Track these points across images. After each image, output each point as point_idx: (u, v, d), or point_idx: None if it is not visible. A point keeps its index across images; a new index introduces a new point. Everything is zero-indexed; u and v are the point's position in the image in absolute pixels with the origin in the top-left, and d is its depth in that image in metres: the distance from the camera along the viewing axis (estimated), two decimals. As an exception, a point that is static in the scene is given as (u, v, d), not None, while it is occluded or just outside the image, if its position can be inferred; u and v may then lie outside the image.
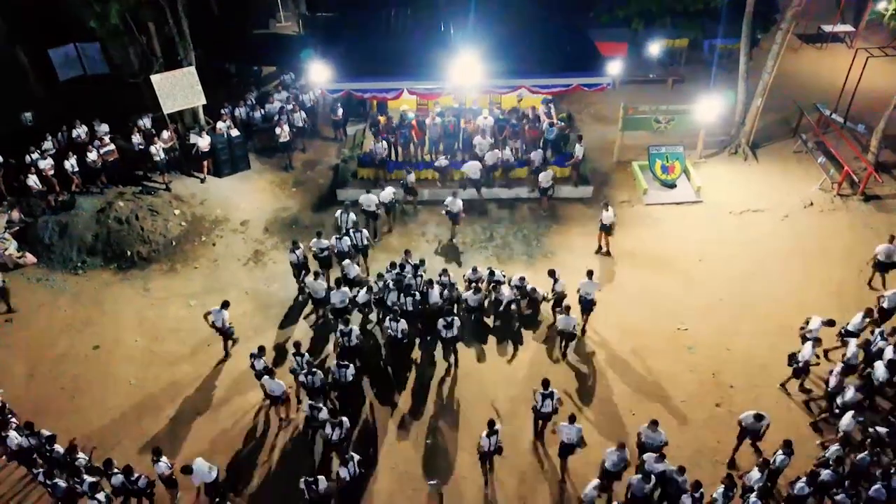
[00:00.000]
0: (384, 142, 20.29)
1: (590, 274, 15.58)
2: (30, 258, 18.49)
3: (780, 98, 24.15)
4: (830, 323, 14.66)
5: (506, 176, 20.52)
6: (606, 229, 18.15)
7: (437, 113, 20.75)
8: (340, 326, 14.73)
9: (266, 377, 13.82)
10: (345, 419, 13.02)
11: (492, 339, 16.26)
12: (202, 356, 15.94)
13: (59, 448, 12.55)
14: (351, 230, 17.52)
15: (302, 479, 11.91)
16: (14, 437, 12.55)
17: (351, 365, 14.08)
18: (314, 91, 24.15)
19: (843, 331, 15.00)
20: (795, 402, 14.58)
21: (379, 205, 18.60)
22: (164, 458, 12.34)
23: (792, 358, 14.46)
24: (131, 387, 15.23)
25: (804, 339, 14.56)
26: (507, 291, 16.15)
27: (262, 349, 14.20)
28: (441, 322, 14.82)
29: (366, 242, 17.63)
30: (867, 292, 17.03)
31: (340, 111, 22.77)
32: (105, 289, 17.93)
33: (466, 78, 18.06)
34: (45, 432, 12.73)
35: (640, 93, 26.05)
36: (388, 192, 18.70)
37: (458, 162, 20.39)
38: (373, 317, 16.71)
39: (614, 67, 18.73)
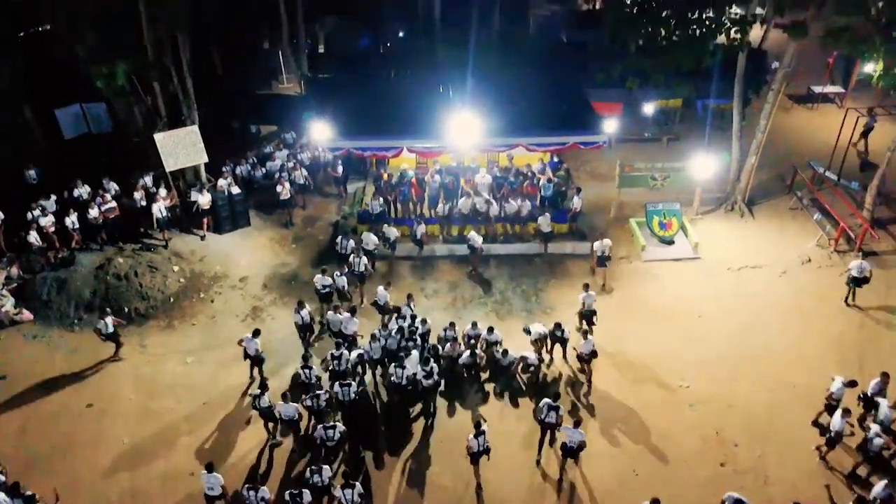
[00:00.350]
0: (381, 198, 20.54)
1: (585, 334, 15.76)
2: (26, 315, 18.41)
3: (773, 156, 24.55)
4: (852, 384, 14.33)
5: (504, 232, 20.67)
6: (602, 261, 18.62)
7: (436, 171, 21.05)
8: (332, 350, 15.36)
9: (280, 402, 14.23)
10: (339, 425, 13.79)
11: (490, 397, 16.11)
12: (198, 413, 15.70)
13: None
14: (351, 255, 18.53)
15: (287, 492, 12.22)
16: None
17: (353, 384, 14.71)
18: (315, 149, 24.53)
19: (862, 395, 14.63)
20: (804, 462, 14.29)
21: (378, 244, 19.32)
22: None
23: (820, 426, 14.25)
24: (124, 445, 14.95)
25: (830, 405, 14.30)
26: (512, 354, 16.05)
27: (264, 386, 14.45)
28: (421, 371, 14.83)
29: (363, 269, 18.25)
30: (868, 345, 16.99)
31: (340, 168, 23.09)
32: (101, 345, 17.70)
33: (465, 136, 18.39)
34: (28, 492, 12.47)
35: (635, 151, 26.51)
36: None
37: (456, 218, 20.57)
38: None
39: (610, 126, 19.13)
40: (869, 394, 14.50)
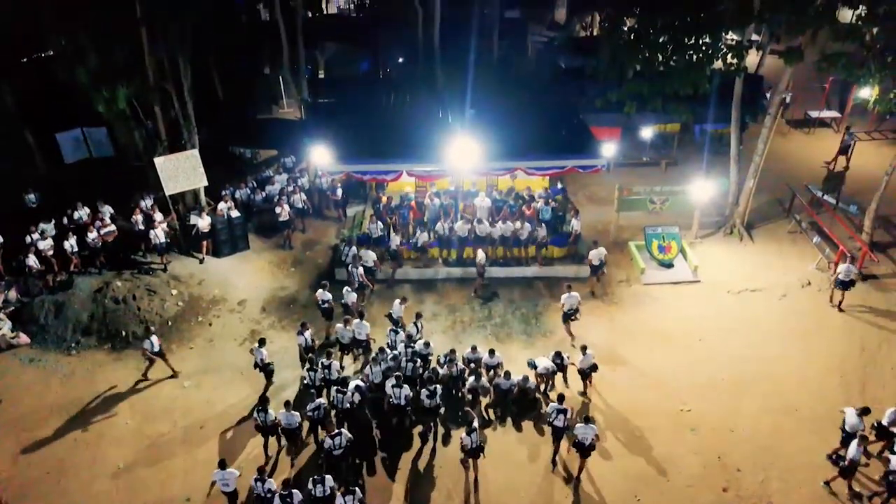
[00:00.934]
0: (380, 223, 20.57)
1: (583, 349, 15.78)
2: (23, 338, 18.29)
3: (771, 180, 24.67)
4: (866, 411, 14.11)
5: (504, 255, 20.67)
6: (596, 270, 19.03)
7: (434, 193, 21.10)
8: (322, 359, 15.69)
9: (282, 411, 14.39)
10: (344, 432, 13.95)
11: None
12: (195, 437, 15.53)
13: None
14: (349, 265, 18.97)
15: (277, 494, 12.49)
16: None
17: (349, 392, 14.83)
18: (314, 173, 24.62)
19: (877, 424, 14.43)
20: (808, 487, 14.12)
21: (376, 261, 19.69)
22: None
23: (835, 456, 14.13)
24: (119, 470, 14.76)
25: (845, 436, 14.07)
26: (514, 378, 15.91)
27: (264, 400, 14.84)
28: (424, 392, 14.79)
29: (360, 280, 18.72)
30: (871, 369, 16.89)
31: (340, 192, 23.14)
32: (98, 369, 17.65)
33: (464, 160, 18.45)
34: None
35: (634, 175, 26.63)
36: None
37: (454, 241, 20.57)
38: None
39: (608, 150, 19.25)
40: (885, 423, 14.30)
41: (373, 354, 16.29)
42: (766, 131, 21.29)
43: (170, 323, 19.10)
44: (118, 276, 19.93)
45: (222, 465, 13.13)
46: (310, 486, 12.86)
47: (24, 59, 28.30)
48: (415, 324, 16.92)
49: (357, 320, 16.92)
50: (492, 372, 16.18)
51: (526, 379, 15.89)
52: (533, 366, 16.12)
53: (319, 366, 15.62)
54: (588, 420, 13.72)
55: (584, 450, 13.84)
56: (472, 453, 13.94)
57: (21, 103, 25.66)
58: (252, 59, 32.18)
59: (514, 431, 15.63)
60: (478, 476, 14.31)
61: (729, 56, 19.59)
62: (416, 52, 35.25)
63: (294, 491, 12.68)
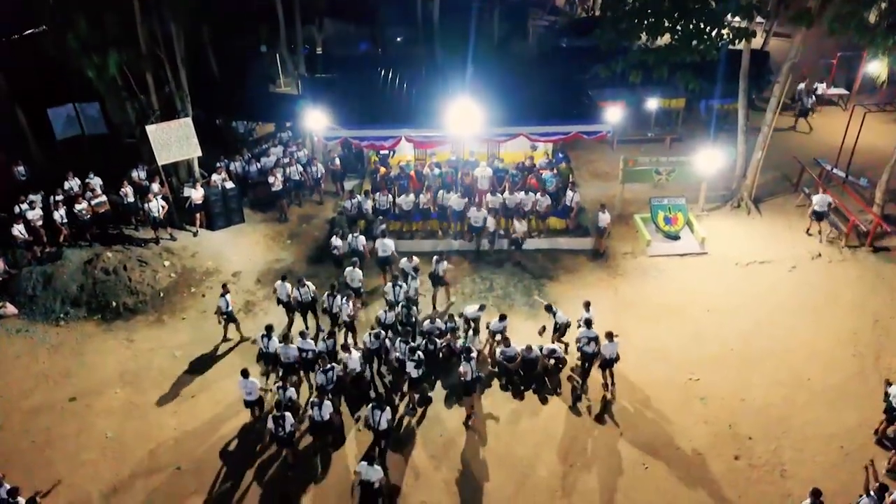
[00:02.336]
0: (376, 195, 20.07)
1: (609, 336, 14.86)
2: (10, 309, 17.75)
3: (778, 158, 24.13)
4: None
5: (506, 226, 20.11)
6: (601, 231, 19.03)
7: (434, 164, 20.52)
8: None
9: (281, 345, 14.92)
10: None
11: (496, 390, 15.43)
12: (186, 409, 15.01)
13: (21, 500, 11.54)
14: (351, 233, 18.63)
15: (270, 416, 12.85)
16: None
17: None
18: (312, 140, 24.03)
19: None
20: (823, 456, 13.58)
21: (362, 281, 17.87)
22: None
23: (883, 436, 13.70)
24: (107, 440, 14.24)
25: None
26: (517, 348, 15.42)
27: (269, 327, 15.19)
28: (410, 363, 14.31)
29: (360, 248, 18.27)
30: (885, 340, 16.35)
31: (338, 162, 22.57)
32: (87, 340, 17.12)
33: (465, 125, 17.85)
34: (7, 485, 11.76)
35: (638, 151, 25.87)
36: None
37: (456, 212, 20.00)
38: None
39: (614, 115, 18.61)
40: None
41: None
42: (774, 100, 20.73)
43: (162, 294, 18.56)
44: (109, 248, 19.38)
45: (245, 373, 13.79)
46: (309, 409, 13.43)
47: (15, 36, 27.69)
48: (412, 272, 16.95)
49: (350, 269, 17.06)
50: (498, 336, 15.63)
51: (529, 349, 15.35)
52: (550, 309, 15.99)
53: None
54: (610, 336, 14.59)
55: (609, 364, 14.78)
56: (472, 386, 13.89)
57: (11, 78, 25.04)
58: (248, 37, 31.51)
59: (516, 401, 15.10)
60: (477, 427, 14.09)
61: (735, 20, 18.95)
62: (416, 31, 34.73)
63: (286, 414, 12.91)
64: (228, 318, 16.51)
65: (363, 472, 12.06)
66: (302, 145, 24.28)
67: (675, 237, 20.52)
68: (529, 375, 15.51)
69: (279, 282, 16.84)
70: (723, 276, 19.10)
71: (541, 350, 15.33)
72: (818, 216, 19.82)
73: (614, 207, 22.11)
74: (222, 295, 16.31)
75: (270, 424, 12.93)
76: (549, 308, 15.98)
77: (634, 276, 19.31)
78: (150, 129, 19.63)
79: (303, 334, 15.01)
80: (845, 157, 23.36)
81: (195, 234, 20.92)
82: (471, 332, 15.73)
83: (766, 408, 14.67)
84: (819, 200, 19.69)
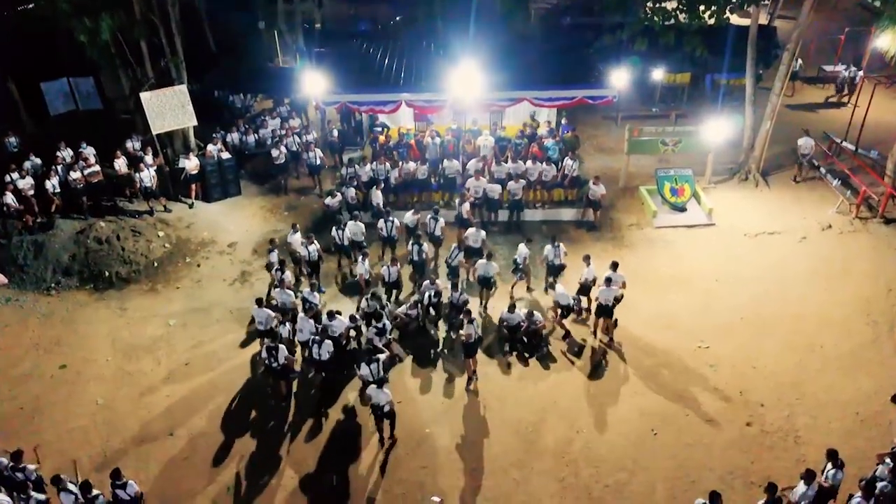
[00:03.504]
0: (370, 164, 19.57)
1: (608, 281, 14.63)
2: (0, 278, 17.28)
3: (785, 133, 23.56)
4: None
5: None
6: (595, 205, 18.59)
7: (435, 132, 20.00)
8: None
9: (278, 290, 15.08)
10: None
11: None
12: (179, 376, 14.56)
13: (2, 460, 11.07)
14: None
15: (264, 346, 13.03)
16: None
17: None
18: (308, 118, 23.54)
19: None
20: (838, 422, 13.12)
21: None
22: (130, 482, 10.81)
23: None
24: (98, 407, 13.79)
25: None
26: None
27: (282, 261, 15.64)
28: (372, 329, 14.08)
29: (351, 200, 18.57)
30: (900, 308, 15.89)
31: (336, 133, 22.05)
32: (78, 309, 16.67)
33: (467, 89, 17.32)
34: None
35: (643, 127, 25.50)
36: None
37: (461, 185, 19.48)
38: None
39: (619, 79, 18.06)
40: None
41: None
42: (784, 67, 20.19)
43: (156, 264, 18.10)
44: (102, 219, 18.91)
45: (258, 302, 14.23)
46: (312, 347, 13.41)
47: (5, 12, 27.16)
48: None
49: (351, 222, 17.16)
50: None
51: (531, 313, 14.89)
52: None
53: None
54: (609, 282, 14.46)
55: (607, 311, 14.59)
56: (473, 348, 13.70)
57: (3, 52, 24.51)
58: (246, 14, 30.96)
59: (519, 367, 14.66)
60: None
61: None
62: (416, 10, 34.11)
63: (280, 346, 13.16)
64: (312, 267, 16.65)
65: (373, 396, 12.19)
66: (302, 127, 23.70)
67: (682, 209, 20.04)
68: (528, 342, 15.09)
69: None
70: (731, 247, 18.63)
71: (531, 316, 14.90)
72: (803, 158, 21.12)
73: (619, 180, 21.67)
74: (306, 245, 16.43)
75: (264, 354, 13.15)
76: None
77: (641, 247, 18.83)
78: (145, 97, 19.14)
79: (312, 286, 15.22)
80: (855, 132, 22.89)
81: (191, 206, 20.44)
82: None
83: (778, 375, 14.21)
84: (803, 144, 20.85)
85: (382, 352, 13.77)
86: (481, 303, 16.25)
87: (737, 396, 13.73)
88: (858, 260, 17.80)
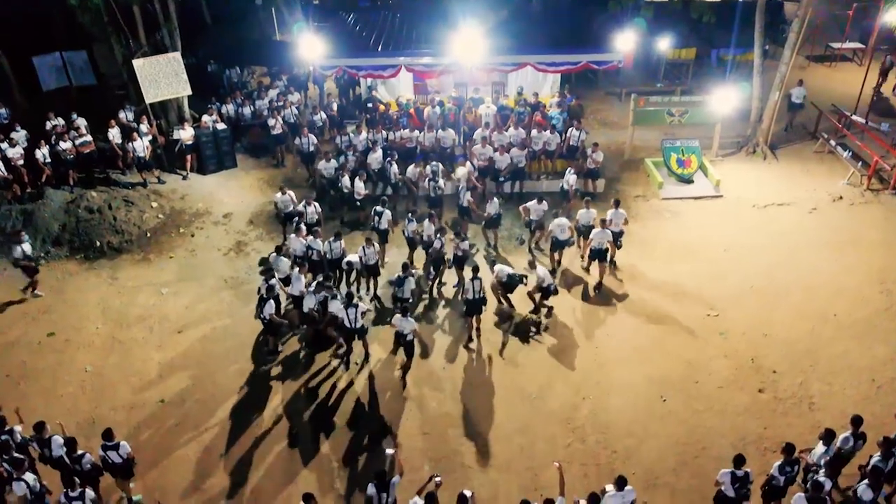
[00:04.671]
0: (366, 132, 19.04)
1: (602, 223, 14.67)
2: (-13, 248, 16.80)
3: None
4: None
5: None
6: (594, 174, 18.41)
7: (437, 102, 19.46)
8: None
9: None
10: None
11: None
12: (171, 343, 14.09)
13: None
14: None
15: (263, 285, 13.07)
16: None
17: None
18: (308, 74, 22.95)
19: None
20: (853, 389, 12.65)
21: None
22: (122, 442, 10.34)
23: None
24: (87, 374, 13.32)
25: None
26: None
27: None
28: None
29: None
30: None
31: (335, 106, 21.52)
32: (68, 278, 16.19)
33: (468, 53, 16.76)
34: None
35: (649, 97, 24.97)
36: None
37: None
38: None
39: (626, 43, 17.50)
40: None
41: None
42: (793, 35, 19.65)
43: (148, 234, 17.61)
44: (94, 189, 18.43)
45: (278, 250, 14.48)
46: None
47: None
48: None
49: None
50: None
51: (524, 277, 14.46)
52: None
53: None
54: (605, 223, 14.47)
55: (600, 255, 14.75)
56: (475, 306, 13.37)
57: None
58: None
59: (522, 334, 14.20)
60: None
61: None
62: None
63: (272, 283, 13.16)
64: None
65: (398, 324, 12.43)
66: (303, 104, 23.17)
67: (689, 180, 19.55)
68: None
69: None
70: (740, 218, 18.15)
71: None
72: (792, 107, 21.88)
73: (623, 153, 21.18)
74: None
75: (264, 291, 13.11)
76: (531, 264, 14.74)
77: (647, 217, 18.34)
78: (137, 64, 18.61)
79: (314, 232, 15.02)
80: (864, 107, 22.42)
81: (185, 178, 19.94)
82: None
83: (790, 342, 13.74)
84: (796, 92, 21.49)
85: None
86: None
87: (748, 363, 13.28)
88: (870, 230, 17.34)
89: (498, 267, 14.43)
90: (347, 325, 12.69)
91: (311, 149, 19.21)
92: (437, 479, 9.37)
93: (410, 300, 13.82)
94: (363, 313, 12.89)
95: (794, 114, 22.27)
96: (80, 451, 10.06)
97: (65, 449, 10.05)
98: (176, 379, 13.16)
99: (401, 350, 13.03)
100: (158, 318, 14.77)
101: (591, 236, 14.65)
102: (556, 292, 14.23)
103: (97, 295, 15.53)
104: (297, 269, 13.86)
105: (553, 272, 15.31)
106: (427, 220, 15.01)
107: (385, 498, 9.29)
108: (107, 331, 14.46)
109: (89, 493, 9.45)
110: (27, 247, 15.08)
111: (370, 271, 14.90)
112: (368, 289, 15.30)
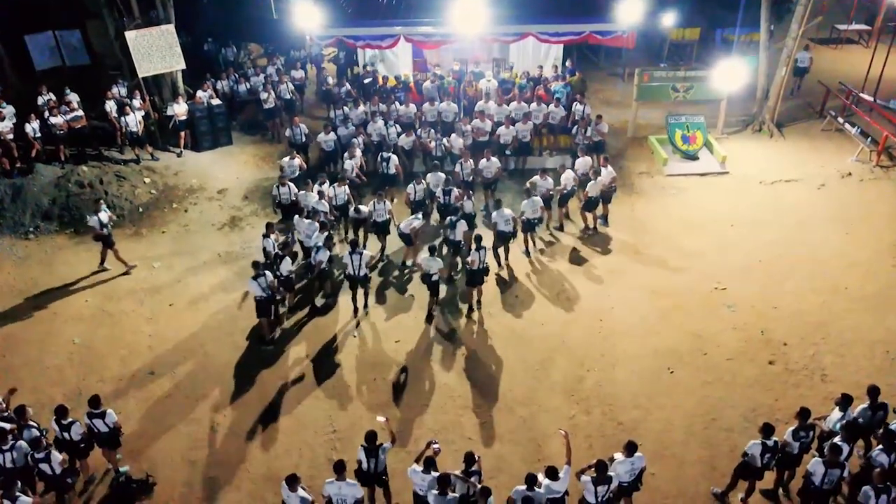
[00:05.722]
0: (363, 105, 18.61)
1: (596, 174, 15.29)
2: (-23, 223, 16.36)
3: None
4: None
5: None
6: (599, 148, 17.82)
7: (438, 76, 19.01)
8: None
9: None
10: None
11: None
12: (162, 316, 13.67)
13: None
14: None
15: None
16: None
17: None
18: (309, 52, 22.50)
19: None
20: (867, 361, 12.24)
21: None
22: (109, 410, 9.93)
23: None
24: (75, 346, 12.90)
25: None
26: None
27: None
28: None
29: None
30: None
31: (331, 80, 21.05)
32: (57, 252, 15.75)
33: (468, 23, 16.27)
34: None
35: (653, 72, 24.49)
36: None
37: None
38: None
39: (632, 14, 17.03)
40: None
41: None
42: (801, 9, 19.20)
43: (140, 210, 17.19)
44: (85, 165, 17.99)
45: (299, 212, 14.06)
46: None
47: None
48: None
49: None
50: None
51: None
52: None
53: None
54: (597, 174, 15.09)
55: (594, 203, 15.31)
56: (478, 276, 13.10)
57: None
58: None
59: (525, 304, 13.78)
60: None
61: None
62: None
63: (266, 273, 12.40)
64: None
65: (424, 264, 12.66)
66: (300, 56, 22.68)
67: (694, 157, 19.13)
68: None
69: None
70: (747, 194, 17.74)
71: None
72: (798, 72, 22.52)
73: (627, 130, 20.76)
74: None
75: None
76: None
77: (652, 194, 17.93)
78: (130, 36, 18.15)
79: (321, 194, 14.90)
80: (872, 86, 21.92)
81: (179, 155, 19.48)
82: None
83: (800, 315, 13.33)
84: (801, 57, 22.03)
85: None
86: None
87: (757, 336, 12.87)
88: (881, 205, 16.96)
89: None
90: (351, 272, 12.68)
91: (304, 139, 18.26)
92: (435, 445, 8.96)
93: (462, 244, 13.97)
94: (367, 262, 12.95)
95: (800, 78, 22.89)
96: (70, 420, 9.64)
97: (54, 417, 9.62)
98: (166, 351, 12.74)
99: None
100: (150, 292, 14.35)
101: (586, 189, 15.23)
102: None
103: (87, 268, 15.08)
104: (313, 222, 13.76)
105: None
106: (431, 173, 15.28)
107: (373, 463, 8.89)
108: (96, 303, 14.03)
109: (55, 455, 9.08)
110: (104, 216, 14.36)
111: (379, 229, 14.62)
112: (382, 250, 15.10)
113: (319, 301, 13.88)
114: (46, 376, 12.17)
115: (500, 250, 14.62)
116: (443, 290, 13.82)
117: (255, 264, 12.42)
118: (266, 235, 13.41)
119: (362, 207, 14.82)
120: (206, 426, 11.20)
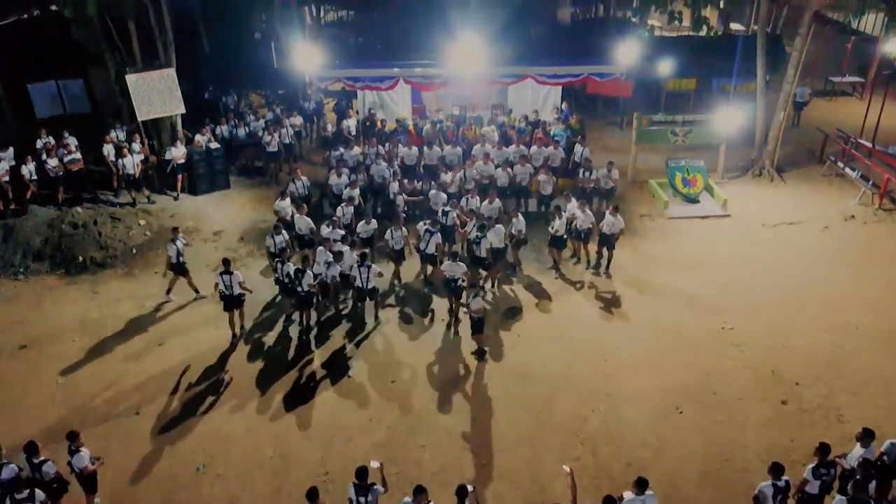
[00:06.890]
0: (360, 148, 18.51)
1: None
2: (-35, 263, 16.04)
3: (796, 139, 22.97)
4: None
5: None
6: (610, 196, 17.79)
7: (437, 120, 19.02)
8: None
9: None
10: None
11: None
12: (151, 355, 13.22)
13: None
14: None
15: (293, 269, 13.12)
16: None
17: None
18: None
19: None
20: (884, 400, 11.76)
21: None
22: (83, 449, 9.42)
23: None
24: (59, 386, 12.40)
25: None
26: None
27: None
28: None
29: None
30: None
31: (330, 128, 21.09)
32: (47, 293, 15.39)
33: (467, 64, 16.37)
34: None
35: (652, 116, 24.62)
36: None
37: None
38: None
39: (628, 56, 17.14)
40: None
41: None
42: (796, 54, 19.40)
43: (134, 250, 16.90)
44: (80, 206, 17.81)
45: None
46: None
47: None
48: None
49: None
50: None
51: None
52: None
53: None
54: (616, 210, 14.99)
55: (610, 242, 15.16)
56: (481, 324, 12.81)
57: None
58: (242, 24, 30.35)
59: (526, 341, 13.34)
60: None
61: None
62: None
63: (308, 270, 13.04)
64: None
65: (448, 269, 12.98)
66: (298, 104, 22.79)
67: (695, 200, 18.99)
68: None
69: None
70: (750, 236, 17.54)
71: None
72: (797, 106, 23.82)
73: (627, 173, 20.67)
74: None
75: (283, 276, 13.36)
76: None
77: (654, 236, 17.70)
78: (131, 79, 18.22)
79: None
80: (868, 135, 22.00)
81: (176, 198, 19.33)
82: None
83: (812, 354, 12.91)
84: (800, 91, 22.88)
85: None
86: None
87: (768, 375, 12.41)
88: (887, 246, 16.79)
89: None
90: (359, 284, 12.79)
91: (305, 192, 17.96)
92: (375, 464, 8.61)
93: (487, 260, 14.17)
94: (377, 275, 13.36)
95: (798, 113, 24.20)
96: (41, 458, 9.09)
97: (24, 454, 9.09)
98: (154, 392, 12.23)
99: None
100: (139, 331, 13.93)
101: (601, 225, 15.22)
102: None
103: (76, 307, 14.72)
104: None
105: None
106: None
107: (363, 502, 8.36)
108: (83, 343, 13.58)
109: (39, 493, 8.50)
110: (180, 244, 14.43)
111: (395, 256, 14.78)
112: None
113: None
114: (27, 417, 11.63)
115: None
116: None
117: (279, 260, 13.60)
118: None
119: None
120: (192, 468, 10.61)
